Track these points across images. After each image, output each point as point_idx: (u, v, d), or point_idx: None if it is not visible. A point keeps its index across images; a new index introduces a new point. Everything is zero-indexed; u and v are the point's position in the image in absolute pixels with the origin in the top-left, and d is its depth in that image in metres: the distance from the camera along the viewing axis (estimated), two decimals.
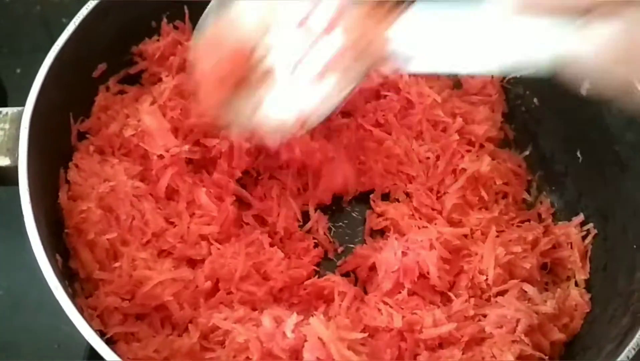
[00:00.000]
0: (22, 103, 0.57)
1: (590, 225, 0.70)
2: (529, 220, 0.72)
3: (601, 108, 0.69)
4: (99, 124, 0.66)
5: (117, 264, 0.58)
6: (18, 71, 0.89)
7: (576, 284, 0.67)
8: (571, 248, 0.69)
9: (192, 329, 0.58)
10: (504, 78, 0.78)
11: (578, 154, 0.73)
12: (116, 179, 0.61)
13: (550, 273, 0.69)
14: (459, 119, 0.73)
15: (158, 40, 0.70)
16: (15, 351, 0.74)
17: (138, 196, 0.62)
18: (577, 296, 0.65)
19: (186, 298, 0.59)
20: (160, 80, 0.68)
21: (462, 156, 0.73)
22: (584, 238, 0.69)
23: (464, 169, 0.71)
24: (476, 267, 0.64)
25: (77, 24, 0.62)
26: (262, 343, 0.54)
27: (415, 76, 0.75)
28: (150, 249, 0.61)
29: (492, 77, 0.78)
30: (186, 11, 0.71)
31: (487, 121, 0.75)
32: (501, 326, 0.60)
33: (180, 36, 0.71)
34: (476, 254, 0.65)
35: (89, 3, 0.63)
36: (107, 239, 0.58)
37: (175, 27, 0.72)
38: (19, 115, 0.57)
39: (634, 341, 0.52)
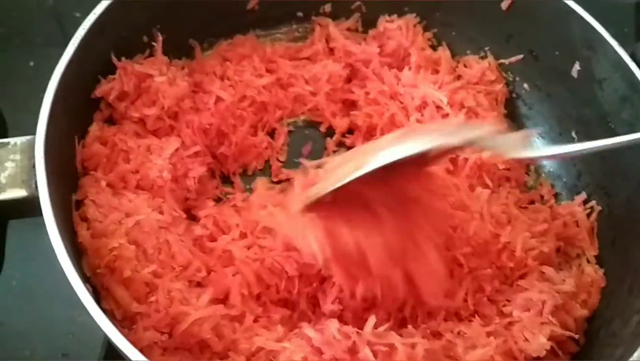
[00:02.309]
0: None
1: (594, 202, 0.72)
2: (533, 202, 0.74)
3: (593, 88, 0.71)
4: (99, 156, 0.65)
5: (153, 298, 0.57)
6: (31, 64, 0.89)
7: (587, 261, 0.70)
8: (578, 226, 0.71)
9: (234, 356, 0.57)
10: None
11: (573, 134, 0.75)
12: (140, 212, 0.60)
13: (560, 252, 0.71)
14: (462, 116, 0.74)
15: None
16: (30, 341, 0.74)
17: (162, 228, 0.61)
18: (591, 273, 0.67)
19: (224, 328, 0.59)
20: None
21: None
22: (588, 215, 0.72)
23: (466, 159, 0.73)
24: (500, 252, 0.65)
25: (75, 45, 0.60)
26: (323, 353, 0.54)
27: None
28: (182, 280, 0.60)
29: (489, 63, 0.79)
30: (159, 36, 0.71)
31: (492, 112, 0.76)
32: (528, 310, 0.62)
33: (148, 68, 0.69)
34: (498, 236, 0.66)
35: (85, 22, 0.61)
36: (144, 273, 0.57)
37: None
38: (30, 144, 0.55)
39: None
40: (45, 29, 0.96)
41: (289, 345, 0.55)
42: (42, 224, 0.65)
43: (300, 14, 0.82)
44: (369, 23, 0.82)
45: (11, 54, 0.93)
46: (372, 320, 0.58)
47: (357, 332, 0.56)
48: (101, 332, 0.50)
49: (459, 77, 0.79)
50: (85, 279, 0.56)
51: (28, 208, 0.55)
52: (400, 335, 0.58)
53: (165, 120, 0.69)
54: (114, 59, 0.66)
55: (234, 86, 0.74)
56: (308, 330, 0.56)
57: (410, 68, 0.77)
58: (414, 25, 0.81)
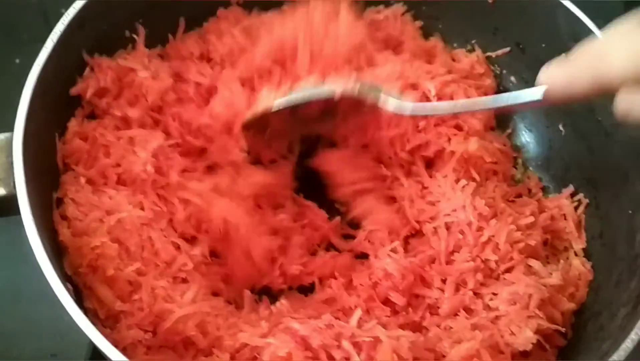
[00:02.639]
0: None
1: (581, 195, 0.72)
2: (520, 195, 0.74)
3: None
4: (80, 152, 0.63)
5: (136, 297, 0.56)
6: (17, 61, 0.89)
7: (575, 254, 0.69)
8: (565, 219, 0.71)
9: (218, 353, 0.56)
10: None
11: (561, 127, 0.75)
12: (121, 210, 0.59)
13: (547, 245, 0.71)
14: None
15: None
16: (17, 341, 0.73)
17: (144, 225, 0.60)
18: (579, 266, 0.67)
19: (208, 325, 0.58)
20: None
21: (449, 139, 0.74)
22: (576, 208, 0.71)
23: (452, 152, 0.72)
24: (485, 245, 0.64)
25: (55, 40, 0.59)
26: (310, 341, 0.54)
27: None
28: (166, 277, 0.60)
29: (478, 56, 0.79)
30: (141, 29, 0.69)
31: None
32: (514, 303, 0.61)
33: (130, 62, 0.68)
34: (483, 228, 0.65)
35: (64, 17, 0.60)
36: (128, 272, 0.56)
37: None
38: (8, 142, 0.54)
39: None
40: (31, 25, 0.95)
41: (273, 340, 0.55)
42: None
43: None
44: None
45: None
46: (357, 313, 0.58)
47: (341, 324, 0.56)
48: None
49: (449, 71, 0.79)
50: (67, 278, 0.55)
51: (7, 206, 0.54)
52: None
53: (149, 117, 0.68)
54: (86, 56, 0.65)
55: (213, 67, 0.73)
56: (292, 323, 0.56)
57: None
58: (402, 14, 0.80)
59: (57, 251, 0.56)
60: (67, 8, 0.61)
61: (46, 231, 0.53)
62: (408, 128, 0.72)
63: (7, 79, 0.85)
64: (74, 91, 0.65)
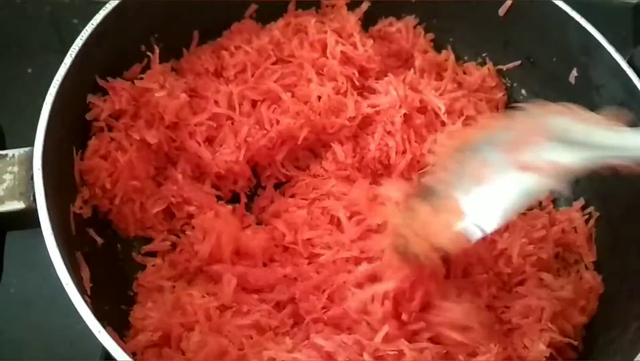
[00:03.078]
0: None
1: (592, 208, 0.72)
2: (531, 208, 0.74)
3: (591, 94, 0.71)
4: (99, 170, 0.64)
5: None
6: (29, 70, 0.89)
7: (586, 267, 0.70)
8: (576, 232, 0.71)
9: None
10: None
11: None
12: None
13: (558, 258, 0.71)
14: (459, 124, 0.74)
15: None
16: (29, 349, 0.74)
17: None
18: (590, 279, 0.67)
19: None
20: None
21: None
22: (587, 221, 0.72)
23: None
24: (497, 258, 0.65)
25: (73, 55, 0.60)
26: (336, 358, 0.55)
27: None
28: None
29: (489, 69, 0.79)
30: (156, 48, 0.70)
31: None
32: (527, 316, 0.62)
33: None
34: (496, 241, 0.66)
35: (82, 33, 0.61)
36: None
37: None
38: (28, 156, 0.55)
39: None
40: (43, 36, 0.96)
41: (299, 356, 0.55)
42: (41, 234, 0.65)
43: None
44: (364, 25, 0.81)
45: (9, 61, 0.93)
46: (384, 329, 0.58)
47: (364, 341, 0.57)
48: (97, 340, 0.50)
49: (459, 84, 0.79)
50: (83, 291, 0.56)
51: (26, 220, 0.55)
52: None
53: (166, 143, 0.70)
54: (99, 80, 0.66)
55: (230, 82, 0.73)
56: (318, 339, 0.56)
57: (415, 72, 0.77)
58: (414, 27, 0.81)
59: (74, 265, 0.56)
60: (78, 19, 0.62)
61: (64, 245, 0.53)
62: None
63: (19, 89, 0.86)
64: (89, 116, 0.66)
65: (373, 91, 0.76)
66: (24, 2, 1.00)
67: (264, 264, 0.67)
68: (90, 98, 0.65)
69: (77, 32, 0.62)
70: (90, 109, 0.66)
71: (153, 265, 0.66)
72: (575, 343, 0.63)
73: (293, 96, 0.73)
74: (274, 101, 0.73)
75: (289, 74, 0.74)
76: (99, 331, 0.49)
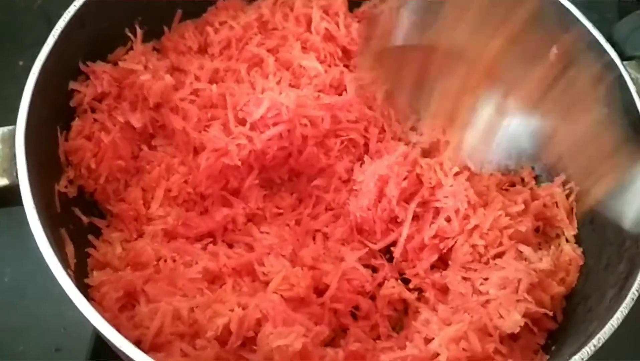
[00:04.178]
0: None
1: (572, 183, 0.73)
2: (514, 184, 0.75)
3: (568, 69, 0.72)
4: (83, 150, 0.66)
5: None
6: (20, 63, 0.91)
7: (566, 241, 0.71)
8: (557, 207, 0.72)
9: None
10: None
11: None
12: None
13: (540, 232, 0.72)
14: None
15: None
16: (23, 336, 0.76)
17: None
18: (570, 251, 0.68)
19: None
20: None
21: (444, 131, 0.75)
22: (568, 196, 0.73)
23: (447, 142, 0.74)
24: (471, 231, 0.66)
25: (56, 36, 0.61)
26: None
27: None
28: None
29: None
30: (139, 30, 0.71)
31: None
32: (504, 288, 0.63)
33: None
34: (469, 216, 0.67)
35: (65, 14, 0.63)
36: None
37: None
38: (11, 134, 0.57)
39: (636, 283, 0.55)
40: (34, 29, 0.97)
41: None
42: None
43: None
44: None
45: (1, 55, 0.94)
46: None
47: None
48: (91, 325, 0.52)
49: None
50: (67, 265, 0.57)
51: (10, 196, 0.56)
52: None
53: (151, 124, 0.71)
54: (81, 65, 0.67)
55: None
56: None
57: None
58: (397, 9, 0.81)
59: (58, 241, 0.58)
60: None
61: (46, 221, 0.55)
62: None
63: (11, 81, 0.86)
64: (73, 103, 0.67)
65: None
66: None
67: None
68: (72, 85, 0.67)
69: None
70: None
71: None
72: (551, 313, 0.63)
73: (277, 60, 0.74)
74: (257, 64, 0.74)
75: (273, 40, 0.75)
76: (80, 300, 0.50)
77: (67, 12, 0.63)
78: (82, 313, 0.51)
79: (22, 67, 0.92)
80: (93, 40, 0.68)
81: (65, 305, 0.78)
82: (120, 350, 0.48)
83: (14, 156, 0.55)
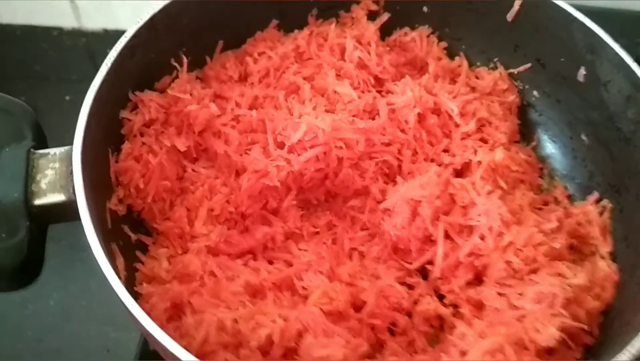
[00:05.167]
0: (72, 129, 0.61)
1: (606, 201, 0.74)
2: (547, 203, 0.76)
3: (599, 90, 0.74)
4: (132, 171, 0.69)
5: None
6: (67, 98, 0.98)
7: (601, 257, 0.71)
8: (591, 224, 0.73)
9: None
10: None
11: (583, 137, 0.78)
12: None
13: (574, 250, 0.72)
14: (472, 124, 0.78)
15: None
16: (67, 357, 0.79)
17: None
18: (605, 267, 0.68)
19: None
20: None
21: (475, 151, 0.77)
22: (601, 213, 0.73)
23: (479, 162, 0.76)
24: (509, 247, 0.67)
25: (109, 65, 0.66)
26: None
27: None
28: None
29: (500, 73, 0.83)
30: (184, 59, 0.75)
31: (506, 122, 0.80)
32: (540, 302, 0.63)
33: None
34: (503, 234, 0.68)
35: (117, 45, 0.67)
36: None
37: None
38: (67, 154, 0.61)
39: None
40: (80, 66, 1.04)
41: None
42: (79, 249, 0.69)
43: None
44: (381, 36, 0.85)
45: (48, 90, 1.00)
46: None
47: None
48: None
49: (472, 88, 0.83)
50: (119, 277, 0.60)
51: (67, 212, 0.60)
52: None
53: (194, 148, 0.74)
54: (131, 94, 0.72)
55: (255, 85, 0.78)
56: None
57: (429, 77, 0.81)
58: (428, 36, 0.85)
59: (110, 253, 0.61)
60: (112, 49, 0.68)
61: (101, 234, 0.58)
62: None
63: (59, 115, 0.92)
64: (123, 130, 0.71)
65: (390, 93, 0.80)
66: (61, 34, 1.08)
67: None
68: (123, 113, 0.71)
69: None
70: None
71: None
72: (588, 328, 0.64)
73: (312, 87, 0.78)
74: (294, 91, 0.77)
75: (308, 69, 0.79)
76: (132, 305, 0.52)
77: (118, 42, 0.67)
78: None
79: (68, 101, 0.98)
80: (141, 70, 0.72)
81: (108, 326, 0.82)
82: (171, 353, 0.50)
83: (70, 173, 0.59)
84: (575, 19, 0.73)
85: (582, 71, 0.75)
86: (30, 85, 1.04)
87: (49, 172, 0.61)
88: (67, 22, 1.10)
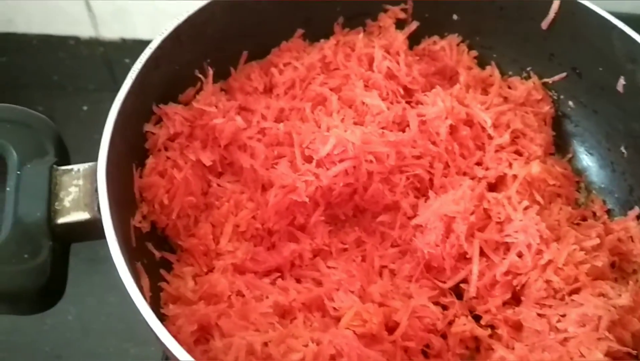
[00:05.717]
0: (91, 144, 0.59)
1: None
2: (585, 219, 0.74)
3: (638, 100, 0.71)
4: (156, 187, 0.67)
5: None
6: (85, 108, 0.95)
7: None
8: (632, 241, 0.70)
9: None
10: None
11: (622, 149, 0.75)
12: None
13: (616, 269, 0.70)
14: (507, 136, 0.75)
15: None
16: None
17: None
18: None
19: None
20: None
21: (510, 165, 0.74)
22: None
23: (515, 176, 0.73)
24: (545, 267, 0.64)
25: (133, 77, 0.64)
26: None
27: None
28: None
29: (534, 82, 0.80)
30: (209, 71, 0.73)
31: (541, 134, 0.77)
32: (584, 325, 0.61)
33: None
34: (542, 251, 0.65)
35: (141, 56, 0.65)
36: None
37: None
38: (92, 170, 0.59)
39: None
40: (97, 75, 1.02)
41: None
42: (98, 262, 0.67)
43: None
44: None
45: (66, 99, 0.99)
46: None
47: None
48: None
49: (505, 98, 0.80)
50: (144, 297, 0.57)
51: (91, 230, 0.58)
52: None
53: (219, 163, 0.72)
54: (155, 107, 0.69)
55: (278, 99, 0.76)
56: None
57: (460, 87, 0.78)
58: (457, 45, 0.82)
59: (135, 272, 0.59)
60: (130, 58, 0.65)
61: (126, 252, 0.56)
62: None
63: (76, 124, 0.92)
64: (147, 144, 0.69)
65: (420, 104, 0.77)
66: (78, 43, 1.07)
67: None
68: (147, 127, 0.69)
69: (129, 71, 0.64)
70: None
71: None
72: (635, 352, 0.61)
73: (340, 99, 0.75)
74: (321, 103, 0.75)
75: (335, 79, 0.77)
76: (159, 330, 0.50)
77: (143, 54, 0.65)
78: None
79: (86, 111, 0.96)
80: (165, 82, 0.70)
81: (128, 342, 0.80)
82: None
83: (95, 190, 0.57)
84: (614, 26, 0.70)
85: (622, 81, 0.72)
86: (46, 95, 1.02)
87: (73, 190, 0.59)
88: (84, 31, 1.09)
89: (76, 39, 1.09)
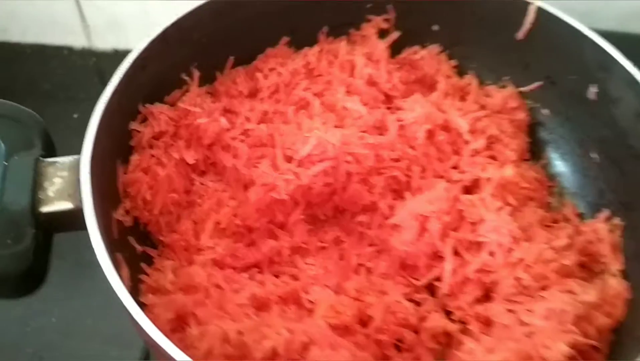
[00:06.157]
0: (79, 146, 0.61)
1: (617, 219, 0.73)
2: (557, 221, 0.76)
3: (609, 107, 0.73)
4: (140, 183, 0.69)
5: None
6: (75, 116, 0.98)
7: (612, 275, 0.70)
8: (601, 242, 0.72)
9: None
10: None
11: (594, 155, 0.77)
12: None
13: (585, 268, 0.71)
14: (482, 141, 0.78)
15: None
16: None
17: None
18: (616, 285, 0.67)
19: None
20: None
21: (484, 168, 0.77)
22: (612, 231, 0.72)
23: (489, 178, 0.75)
24: (518, 264, 0.66)
25: (120, 76, 0.66)
26: None
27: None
28: None
29: (510, 91, 0.83)
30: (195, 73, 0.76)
31: (515, 140, 0.79)
32: (549, 318, 0.62)
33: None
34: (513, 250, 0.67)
35: (129, 56, 0.68)
36: None
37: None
38: (76, 163, 0.61)
39: None
40: (89, 85, 1.04)
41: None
42: (84, 265, 0.68)
43: None
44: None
45: (57, 107, 1.01)
46: None
47: None
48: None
49: (482, 106, 0.83)
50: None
51: (73, 220, 0.59)
52: None
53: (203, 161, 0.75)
54: (141, 107, 0.72)
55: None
56: None
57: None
58: (437, 54, 0.85)
59: (115, 262, 0.60)
60: None
61: (107, 242, 0.58)
62: None
63: (67, 132, 0.93)
64: (132, 142, 0.71)
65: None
66: (71, 53, 1.09)
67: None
68: (133, 125, 0.71)
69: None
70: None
71: None
72: (599, 345, 0.63)
73: (322, 103, 0.78)
74: (303, 107, 0.78)
75: (318, 85, 0.80)
76: (137, 313, 0.52)
77: (130, 54, 0.68)
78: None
79: (77, 119, 0.98)
80: (152, 83, 0.72)
81: (110, 345, 0.81)
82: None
83: (78, 182, 0.59)
84: (586, 37, 0.73)
85: (593, 89, 0.75)
86: (38, 103, 1.03)
87: (57, 181, 0.61)
88: (78, 41, 1.11)
89: (69, 49, 1.12)
